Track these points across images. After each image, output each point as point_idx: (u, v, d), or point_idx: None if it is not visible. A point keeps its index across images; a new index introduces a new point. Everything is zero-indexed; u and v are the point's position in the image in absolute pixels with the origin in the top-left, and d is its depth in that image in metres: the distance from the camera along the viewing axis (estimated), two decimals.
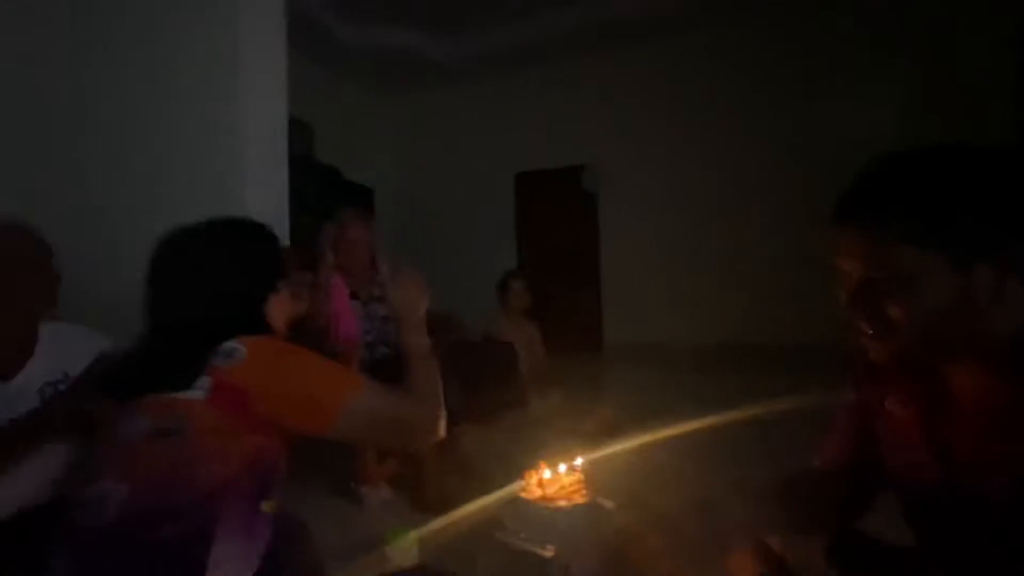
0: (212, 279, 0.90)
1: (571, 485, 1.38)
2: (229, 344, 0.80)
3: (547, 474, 1.39)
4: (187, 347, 0.82)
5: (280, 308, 0.95)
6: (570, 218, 5.38)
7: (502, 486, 1.63)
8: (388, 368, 2.03)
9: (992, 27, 3.88)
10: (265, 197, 2.14)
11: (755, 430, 2.31)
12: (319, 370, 0.84)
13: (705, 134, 4.83)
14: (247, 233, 0.97)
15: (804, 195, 4.36)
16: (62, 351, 1.16)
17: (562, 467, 1.43)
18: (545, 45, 5.01)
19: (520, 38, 4.93)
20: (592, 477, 1.44)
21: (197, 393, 0.77)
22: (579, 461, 1.43)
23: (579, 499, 1.34)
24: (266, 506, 0.80)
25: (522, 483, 1.40)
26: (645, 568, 0.90)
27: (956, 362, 0.63)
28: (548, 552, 1.24)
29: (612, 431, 2.19)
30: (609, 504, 1.43)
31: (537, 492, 1.36)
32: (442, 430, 0.96)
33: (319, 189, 4.44)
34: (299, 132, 4.35)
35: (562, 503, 1.33)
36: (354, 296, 2.18)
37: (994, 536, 0.62)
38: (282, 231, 2.18)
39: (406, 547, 1.44)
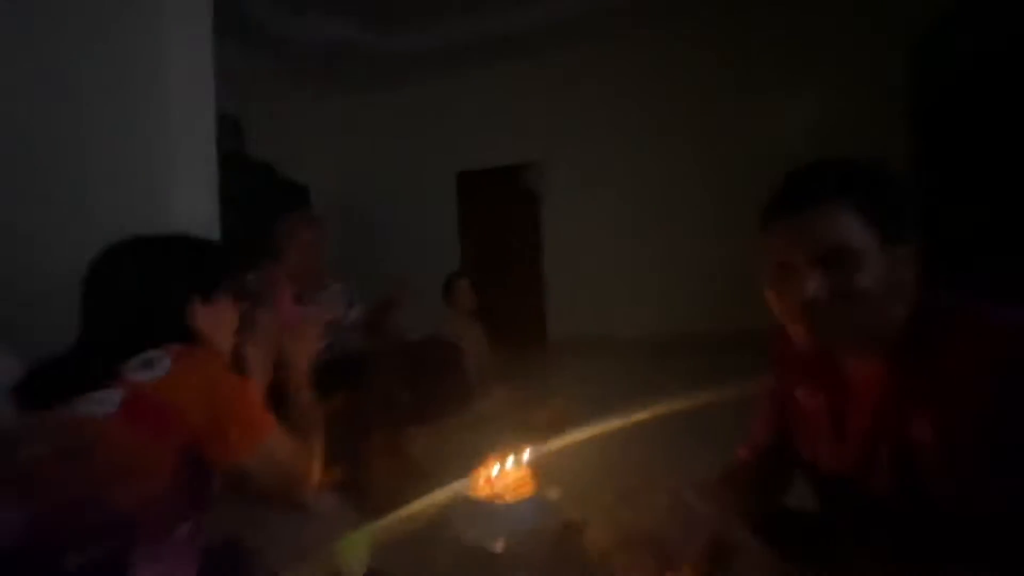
0: (128, 289, 0.86)
1: (518, 480, 1.41)
2: (150, 353, 0.75)
3: (495, 471, 1.41)
4: (97, 358, 0.76)
5: (214, 319, 0.90)
6: (513, 216, 5.43)
7: (451, 483, 1.63)
8: (332, 372, 1.99)
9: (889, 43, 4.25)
10: (194, 196, 2.04)
11: (702, 416, 2.42)
12: (245, 396, 0.80)
13: (645, 132, 5.01)
14: (170, 242, 0.93)
15: (738, 193, 4.63)
16: None
17: (510, 462, 1.45)
18: (487, 43, 5.02)
19: (461, 35, 4.91)
20: (541, 470, 1.47)
21: (105, 408, 0.70)
22: (526, 455, 1.46)
23: (526, 493, 1.37)
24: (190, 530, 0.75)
25: (469, 482, 1.41)
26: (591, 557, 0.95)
27: (865, 348, 0.69)
28: (498, 547, 1.26)
29: (562, 423, 2.25)
30: (555, 495, 1.48)
31: (485, 489, 1.37)
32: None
33: (252, 187, 4.25)
34: (229, 128, 4.15)
35: (509, 498, 1.35)
36: (298, 301, 2.11)
37: (886, 519, 0.69)
38: (213, 230, 2.08)
39: (358, 554, 1.42)
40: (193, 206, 2.00)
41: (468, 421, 2.42)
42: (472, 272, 3.40)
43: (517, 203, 5.37)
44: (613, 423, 2.18)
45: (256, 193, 4.34)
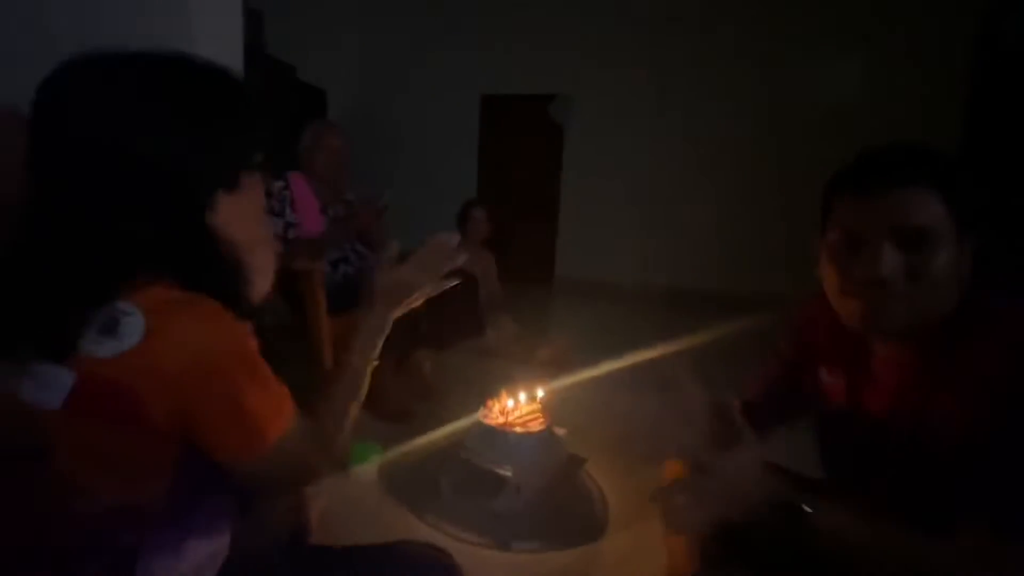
0: (98, 153, 0.52)
1: (530, 414, 1.48)
2: (117, 308, 0.49)
3: (510, 403, 1.48)
4: (43, 306, 0.51)
5: (240, 215, 0.58)
6: (534, 147, 5.28)
7: (458, 405, 1.70)
8: (350, 289, 2.02)
9: (955, 23, 3.97)
10: None
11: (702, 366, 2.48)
12: (255, 378, 0.54)
13: (678, 75, 4.78)
14: (171, 66, 0.57)
15: (770, 149, 4.50)
16: None
17: (522, 396, 1.52)
18: None
19: None
20: (549, 407, 1.54)
21: (53, 395, 0.49)
22: (540, 393, 1.52)
23: (536, 427, 1.45)
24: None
25: (484, 410, 1.48)
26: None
27: (907, 334, 0.71)
28: (507, 472, 1.34)
29: (564, 362, 2.31)
30: (562, 432, 1.56)
31: (499, 419, 1.44)
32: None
33: (268, 86, 4.08)
34: (252, 23, 3.93)
35: (520, 430, 1.43)
36: (322, 212, 2.10)
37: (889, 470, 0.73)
38: None
39: (369, 458, 1.51)
40: None
41: (476, 348, 2.50)
42: (487, 200, 3.36)
43: (540, 133, 5.21)
44: (614, 364, 2.23)
45: (272, 93, 4.19)
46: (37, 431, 0.50)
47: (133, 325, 0.49)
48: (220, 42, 1.97)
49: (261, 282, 0.63)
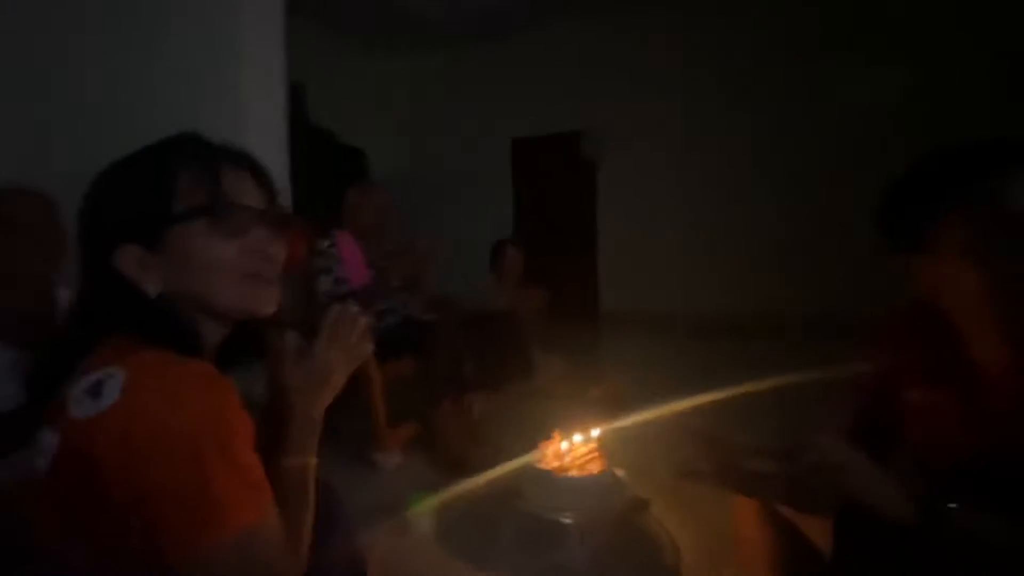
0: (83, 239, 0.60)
1: (586, 455, 1.42)
2: (104, 370, 0.49)
3: (564, 445, 1.42)
4: (43, 369, 0.55)
5: (180, 274, 0.58)
6: (568, 184, 5.33)
7: (513, 451, 1.66)
8: (397, 337, 2.05)
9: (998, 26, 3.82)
10: (267, 163, 2.09)
11: (763, 399, 2.35)
12: (230, 452, 0.49)
13: (706, 100, 4.76)
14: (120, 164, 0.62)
15: (806, 164, 4.38)
16: None
17: (577, 437, 1.46)
18: (545, 7, 4.84)
19: None
20: (605, 446, 1.48)
21: (44, 460, 0.49)
22: (595, 432, 1.46)
23: (594, 469, 1.38)
24: None
25: (538, 453, 1.43)
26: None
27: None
28: (568, 519, 1.28)
29: (618, 399, 2.24)
30: (622, 473, 1.48)
31: (554, 462, 1.39)
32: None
33: (312, 152, 4.33)
34: (292, 93, 4.21)
35: (578, 473, 1.37)
36: (369, 266, 2.17)
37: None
38: (286, 199, 2.14)
39: (426, 511, 1.48)
40: None
41: (527, 391, 2.45)
42: (526, 241, 3.38)
43: (572, 171, 5.26)
44: (673, 405, 2.14)
45: (316, 158, 4.44)
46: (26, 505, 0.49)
47: (112, 386, 0.48)
48: (267, 117, 2.13)
49: (220, 323, 0.62)
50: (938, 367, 0.75)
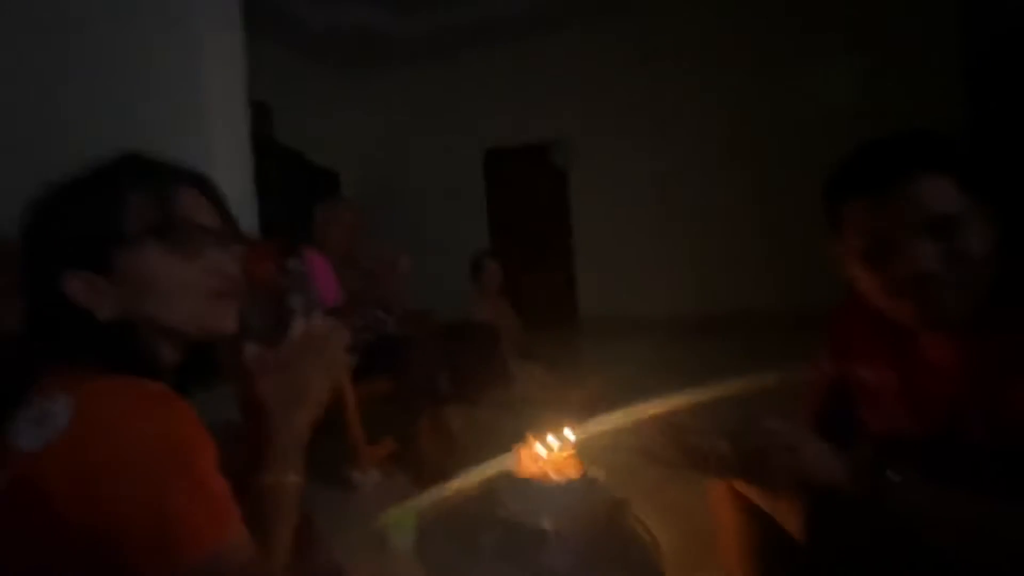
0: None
1: (563, 459, 1.41)
2: (48, 399, 0.47)
3: (540, 449, 1.41)
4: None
5: (132, 297, 0.55)
6: (541, 193, 5.37)
7: (492, 461, 1.65)
8: (371, 355, 2.02)
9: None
10: (230, 181, 2.07)
11: (737, 395, 2.38)
12: (192, 472, 0.47)
13: (673, 105, 4.86)
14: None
15: (774, 165, 4.49)
16: None
17: (552, 441, 1.45)
18: (510, 20, 4.92)
19: (485, 13, 4.82)
20: (582, 449, 1.47)
21: None
22: (570, 435, 1.46)
23: (572, 472, 1.37)
24: None
25: (513, 458, 1.42)
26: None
27: (950, 323, 0.67)
28: (547, 525, 1.27)
29: (598, 403, 2.24)
30: (600, 475, 1.47)
31: (531, 467, 1.38)
32: None
33: (281, 173, 4.29)
34: (259, 114, 4.17)
35: (556, 477, 1.35)
36: (338, 284, 2.15)
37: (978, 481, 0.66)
38: (251, 217, 2.11)
39: (405, 527, 1.45)
40: (228, 193, 2.03)
41: (506, 400, 2.44)
42: (501, 251, 3.39)
43: (545, 180, 5.31)
44: (651, 405, 2.16)
45: (285, 178, 4.40)
46: None
47: (60, 413, 0.45)
48: (229, 133, 2.11)
49: (176, 345, 0.60)
50: (882, 353, 0.77)
